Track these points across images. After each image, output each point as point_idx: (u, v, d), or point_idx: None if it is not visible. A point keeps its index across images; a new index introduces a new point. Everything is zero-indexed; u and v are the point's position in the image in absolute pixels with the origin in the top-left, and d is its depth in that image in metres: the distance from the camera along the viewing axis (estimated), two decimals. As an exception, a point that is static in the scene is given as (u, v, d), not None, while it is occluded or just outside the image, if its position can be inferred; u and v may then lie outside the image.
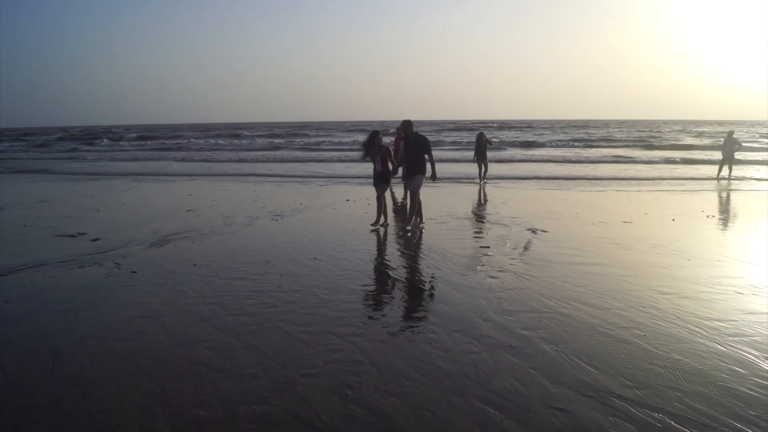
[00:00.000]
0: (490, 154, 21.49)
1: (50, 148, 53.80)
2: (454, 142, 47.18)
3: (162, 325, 5.84)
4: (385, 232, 10.96)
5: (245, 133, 71.44)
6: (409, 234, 10.74)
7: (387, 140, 14.69)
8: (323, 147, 45.15)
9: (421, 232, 10.78)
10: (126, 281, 7.52)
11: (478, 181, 20.55)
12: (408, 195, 12.52)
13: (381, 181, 11.60)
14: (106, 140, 60.87)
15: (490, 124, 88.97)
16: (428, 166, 11.15)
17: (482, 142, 20.16)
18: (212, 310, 6.27)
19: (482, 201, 15.79)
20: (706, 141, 48.24)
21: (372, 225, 11.51)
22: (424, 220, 11.50)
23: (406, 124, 11.37)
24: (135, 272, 7.94)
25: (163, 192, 18.75)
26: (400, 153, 12.17)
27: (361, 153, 11.91)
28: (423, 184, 11.32)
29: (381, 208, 11.60)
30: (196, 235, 10.64)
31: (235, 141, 55.51)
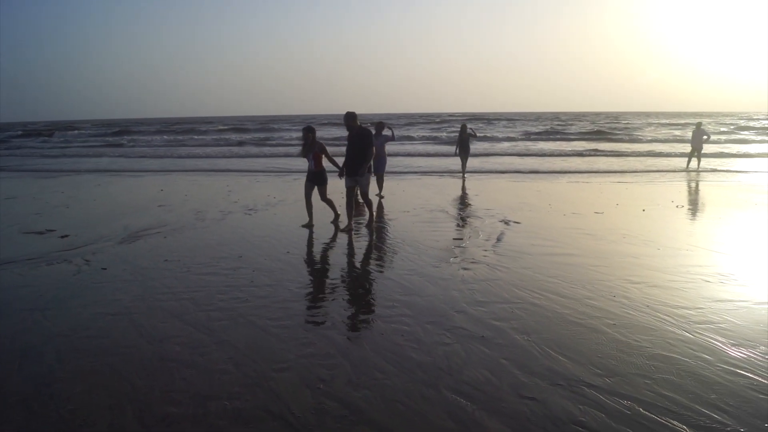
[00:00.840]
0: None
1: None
2: (424, 137, 47.02)
3: (132, 322, 5.77)
4: (335, 230, 10.93)
5: (215, 127, 70.51)
6: (366, 228, 10.38)
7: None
8: (294, 142, 44.73)
9: (349, 233, 10.17)
10: (96, 278, 7.41)
11: (460, 175, 19.86)
12: (359, 195, 11.20)
13: (315, 180, 10.81)
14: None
15: (461, 117, 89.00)
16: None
17: (465, 134, 19.43)
18: (183, 306, 6.21)
19: (456, 193, 15.82)
20: (677, 132, 48.99)
21: (304, 225, 10.86)
22: (343, 222, 10.71)
23: (349, 117, 10.06)
24: (105, 269, 7.83)
25: (134, 187, 18.49)
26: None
27: (299, 151, 11.19)
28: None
29: (310, 207, 10.94)
30: (167, 230, 10.53)
31: (204, 136, 54.66)
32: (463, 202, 13.99)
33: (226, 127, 68.28)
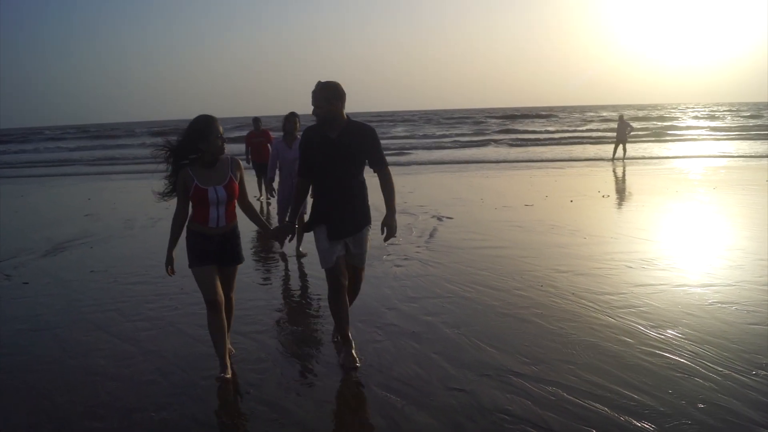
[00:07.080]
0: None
1: None
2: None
3: (55, 337, 5.57)
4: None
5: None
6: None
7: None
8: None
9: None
10: (16, 293, 7.12)
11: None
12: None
13: (229, 254, 4.77)
14: None
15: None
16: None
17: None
18: (109, 318, 6.03)
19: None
20: (604, 124, 50.60)
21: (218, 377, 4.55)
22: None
23: (330, 91, 4.63)
24: (27, 283, 7.52)
25: (60, 196, 17.87)
26: (271, 162, 8.38)
27: (166, 185, 4.96)
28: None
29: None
30: (94, 240, 10.20)
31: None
32: (396, 199, 14.03)
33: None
